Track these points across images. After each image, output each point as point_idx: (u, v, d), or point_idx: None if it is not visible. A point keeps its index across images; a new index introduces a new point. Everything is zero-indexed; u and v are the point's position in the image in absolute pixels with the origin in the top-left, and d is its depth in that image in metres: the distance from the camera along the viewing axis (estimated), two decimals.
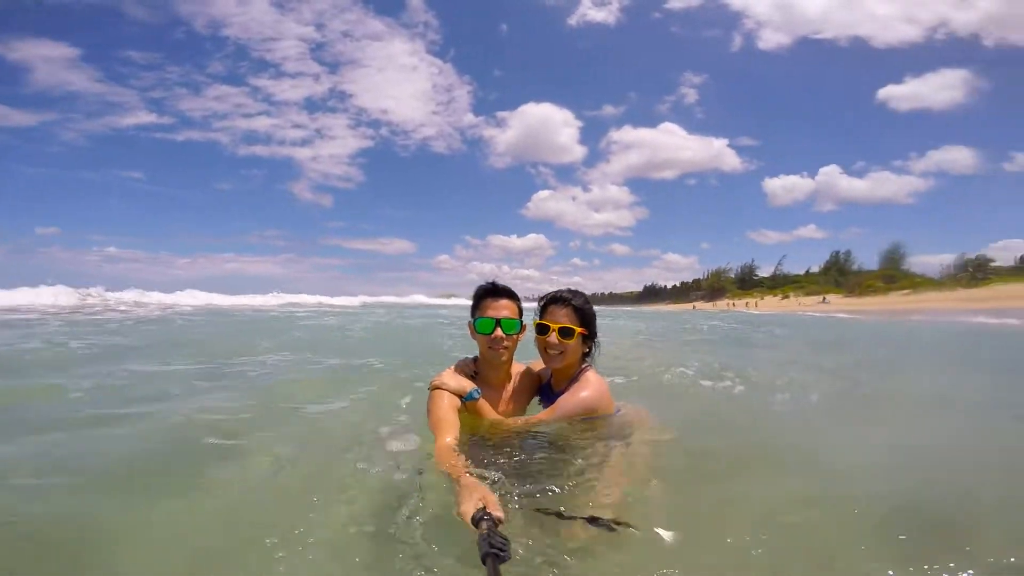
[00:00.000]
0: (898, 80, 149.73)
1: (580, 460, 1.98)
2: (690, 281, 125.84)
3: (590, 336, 2.27)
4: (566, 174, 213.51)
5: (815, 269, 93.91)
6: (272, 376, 4.66)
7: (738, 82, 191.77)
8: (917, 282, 66.54)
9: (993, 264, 64.74)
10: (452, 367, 2.28)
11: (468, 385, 2.15)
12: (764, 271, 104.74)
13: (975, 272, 62.35)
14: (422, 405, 2.22)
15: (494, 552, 1.10)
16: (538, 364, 2.43)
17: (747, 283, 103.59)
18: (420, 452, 2.21)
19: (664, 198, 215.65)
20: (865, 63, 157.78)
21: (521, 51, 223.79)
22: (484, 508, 1.27)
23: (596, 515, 1.61)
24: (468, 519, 1.26)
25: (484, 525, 1.21)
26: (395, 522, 1.65)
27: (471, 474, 1.60)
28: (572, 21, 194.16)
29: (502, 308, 2.19)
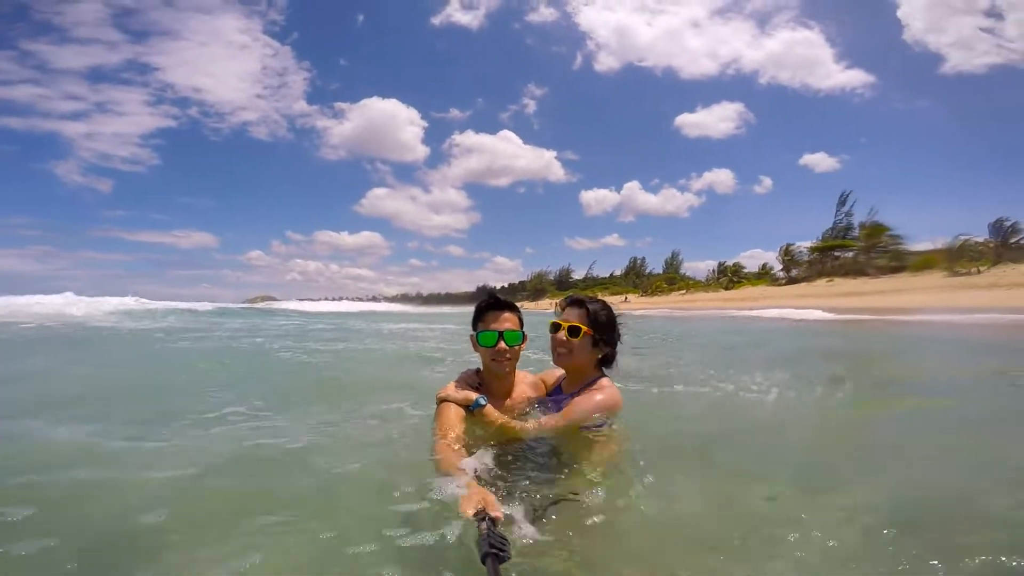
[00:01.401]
0: (691, 109, 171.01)
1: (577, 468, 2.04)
2: (516, 283, 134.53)
3: (604, 342, 2.31)
4: (406, 173, 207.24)
5: (618, 272, 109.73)
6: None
7: (572, 98, 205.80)
8: (690, 284, 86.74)
9: (744, 270, 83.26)
10: (456, 379, 2.29)
11: (473, 394, 2.15)
12: (578, 274, 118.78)
13: (732, 276, 79.54)
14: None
15: (494, 552, 1.12)
16: (549, 375, 2.52)
17: (564, 285, 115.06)
18: (423, 458, 2.17)
19: (497, 203, 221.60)
20: (672, 92, 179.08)
21: (375, 44, 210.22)
22: (484, 508, 1.29)
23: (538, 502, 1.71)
24: (468, 517, 1.28)
25: (484, 525, 1.23)
26: (395, 523, 1.67)
27: (470, 475, 1.63)
28: (436, 21, 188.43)
29: (504, 321, 2.20)
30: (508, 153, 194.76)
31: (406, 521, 1.68)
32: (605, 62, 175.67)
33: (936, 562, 1.52)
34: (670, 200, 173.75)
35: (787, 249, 69.80)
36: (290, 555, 1.63)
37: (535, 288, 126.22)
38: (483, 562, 1.11)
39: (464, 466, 1.73)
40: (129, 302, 24.81)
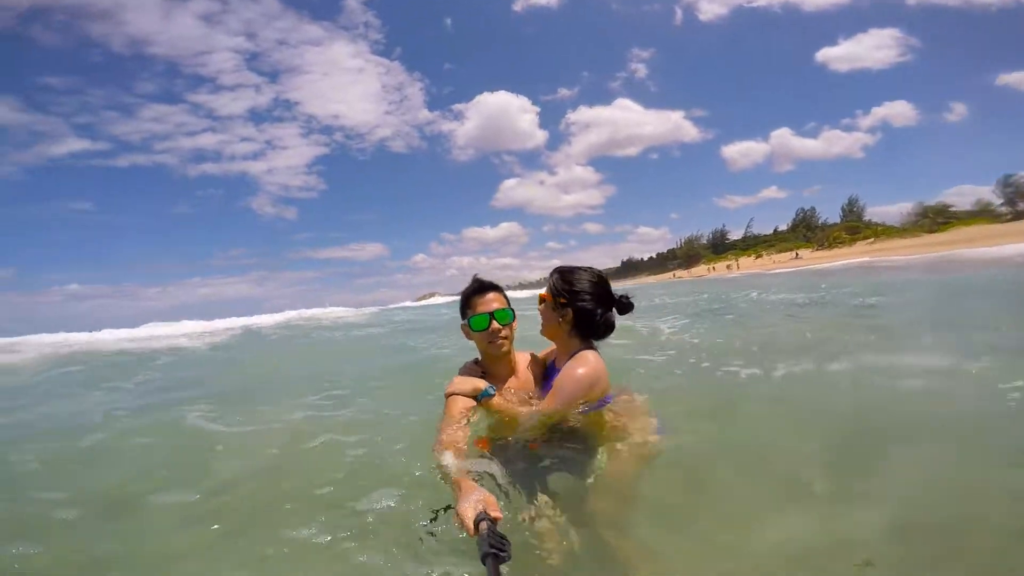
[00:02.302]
0: (832, 42, 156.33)
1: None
2: (665, 251, 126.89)
3: (566, 305, 2.16)
4: (530, 160, 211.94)
5: (783, 227, 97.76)
6: None
7: (684, 55, 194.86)
8: (879, 231, 71.35)
9: (952, 209, 68.39)
10: (459, 372, 2.27)
11: (481, 383, 2.13)
12: (735, 234, 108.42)
13: (935, 218, 65.83)
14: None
15: (494, 552, 1.12)
16: (544, 351, 2.47)
17: (721, 247, 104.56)
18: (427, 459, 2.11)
19: (629, 173, 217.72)
20: (798, 28, 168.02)
21: (468, 42, 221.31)
22: (484, 509, 1.28)
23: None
24: (467, 520, 1.27)
25: (484, 526, 1.22)
26: (396, 523, 1.70)
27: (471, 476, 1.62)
28: (516, 7, 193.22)
29: (492, 302, 2.20)
30: (630, 121, 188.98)
31: (406, 521, 1.69)
32: (709, 10, 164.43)
33: None
34: (834, 142, 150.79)
35: (1008, 180, 56.80)
36: (289, 553, 1.71)
37: (687, 254, 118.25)
38: (483, 562, 1.12)
39: (464, 467, 1.71)
40: (338, 311, 27.37)
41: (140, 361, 8.24)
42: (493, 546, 1.13)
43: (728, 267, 78.06)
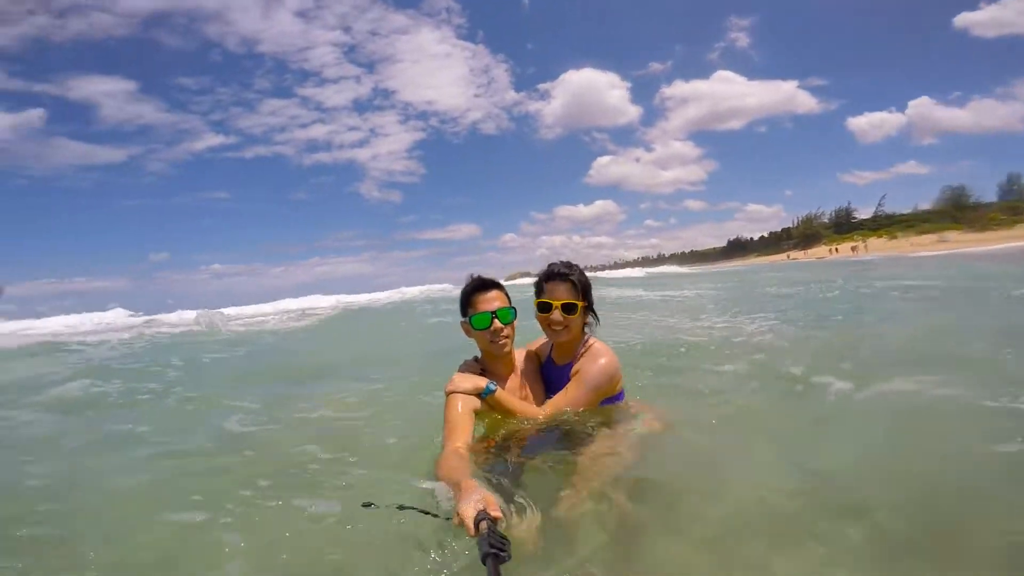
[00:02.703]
0: (972, 6, 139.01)
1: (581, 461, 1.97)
2: (779, 230, 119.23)
3: (589, 307, 2.29)
4: (624, 136, 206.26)
5: (924, 206, 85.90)
6: None
7: (793, 21, 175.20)
8: None
9: None
10: (459, 370, 2.26)
11: (483, 381, 2.12)
12: (863, 212, 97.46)
13: None
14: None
15: (494, 552, 1.12)
16: (543, 347, 2.46)
17: (844, 227, 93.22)
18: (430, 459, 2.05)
19: (734, 147, 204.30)
20: None
21: (547, 20, 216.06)
22: (484, 509, 1.28)
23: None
24: (467, 520, 1.27)
25: (484, 526, 1.22)
26: (395, 522, 1.67)
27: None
28: None
29: (493, 300, 2.19)
30: (732, 93, 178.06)
31: (405, 520, 1.67)
32: None
33: None
34: (985, 113, 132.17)
35: None
36: (287, 548, 1.71)
37: (804, 234, 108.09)
38: (483, 562, 1.11)
39: (466, 468, 1.70)
40: (434, 289, 28.04)
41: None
42: (493, 546, 1.13)
43: (854, 248, 70.97)
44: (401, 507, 1.51)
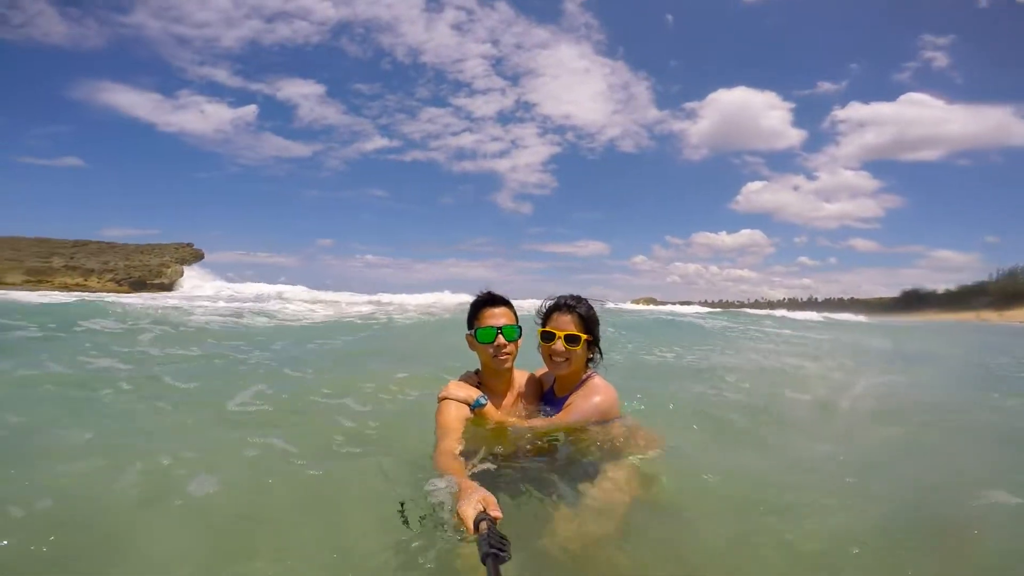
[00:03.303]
0: None
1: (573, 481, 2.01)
2: (971, 284, 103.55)
3: (594, 342, 2.29)
4: (782, 162, 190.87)
5: None
6: None
7: (1006, 38, 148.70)
8: None
9: None
10: (456, 380, 2.29)
11: (475, 393, 2.17)
12: None
13: None
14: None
15: (494, 552, 1.13)
16: (540, 371, 2.46)
17: None
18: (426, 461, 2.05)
19: (924, 182, 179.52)
20: None
21: (694, 38, 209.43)
22: (484, 509, 1.30)
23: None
24: (467, 520, 1.28)
25: (484, 526, 1.23)
26: (396, 523, 1.67)
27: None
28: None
29: (500, 316, 2.21)
30: (926, 119, 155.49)
31: (406, 521, 1.68)
32: None
33: None
34: None
35: None
36: (287, 552, 1.76)
37: (1004, 291, 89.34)
38: (483, 562, 1.12)
39: (464, 468, 1.73)
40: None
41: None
42: (493, 546, 1.15)
43: None
44: (401, 511, 1.59)
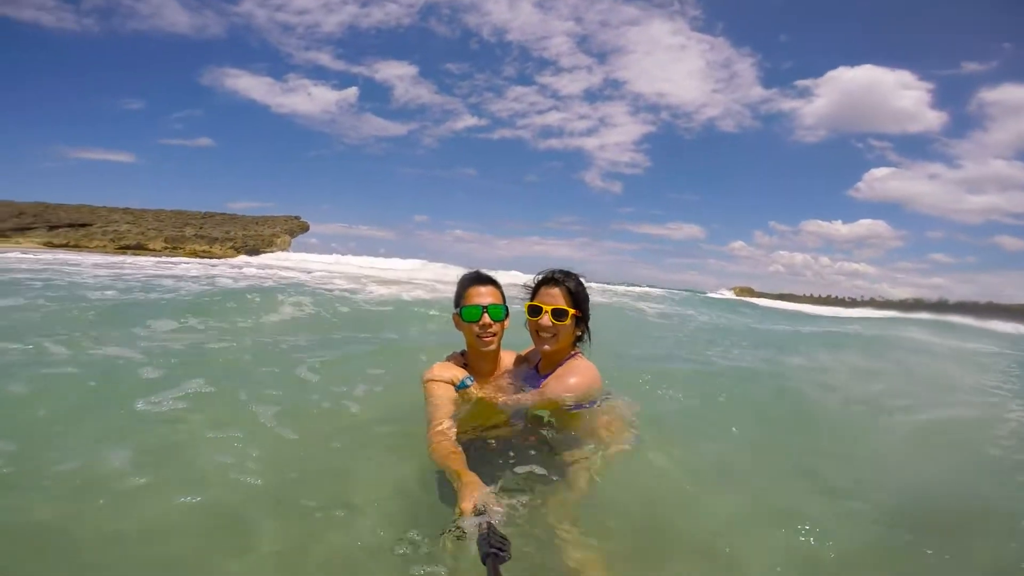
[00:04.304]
0: None
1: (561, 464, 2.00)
2: None
3: (583, 319, 2.22)
4: (915, 147, 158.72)
5: None
6: None
7: None
8: None
9: None
10: (441, 361, 2.27)
11: (460, 374, 2.14)
12: None
13: None
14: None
15: (494, 552, 1.14)
16: (528, 349, 2.42)
17: None
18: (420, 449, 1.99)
19: None
20: None
21: (807, 10, 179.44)
22: (484, 508, 1.31)
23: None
24: (468, 519, 1.28)
25: (484, 525, 1.25)
26: (395, 521, 1.69)
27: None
28: None
29: (486, 295, 2.17)
30: None
31: (405, 519, 1.70)
32: None
33: None
34: None
35: None
36: (288, 549, 1.70)
37: None
38: (483, 562, 1.13)
39: (462, 459, 1.71)
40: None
41: None
42: (493, 546, 1.15)
43: None
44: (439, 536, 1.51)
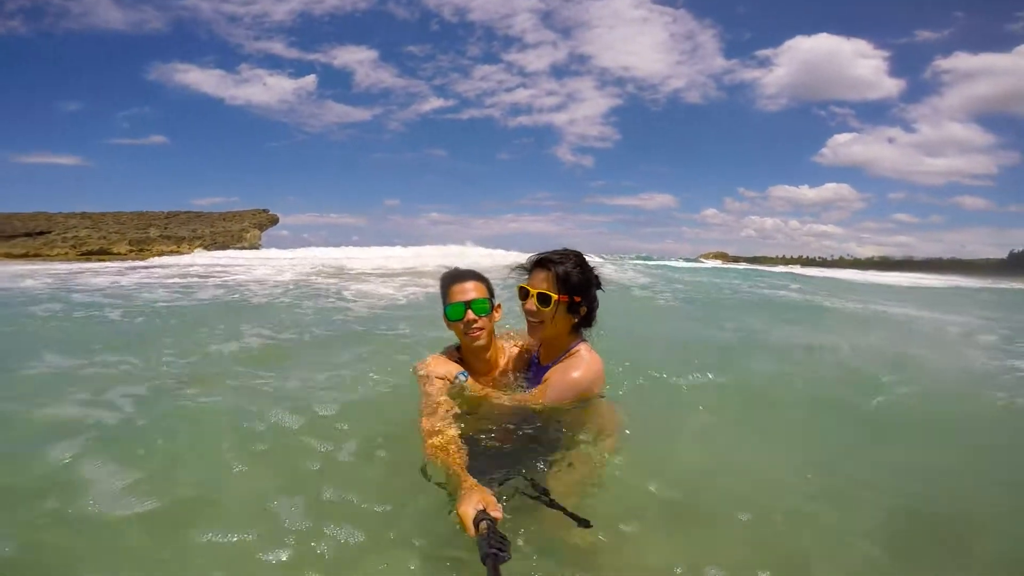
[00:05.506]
0: None
1: (564, 451, 1.96)
2: None
3: (577, 305, 2.04)
4: (874, 113, 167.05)
5: None
6: None
7: None
8: None
9: None
10: (436, 355, 2.23)
11: (455, 368, 2.11)
12: None
13: None
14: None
15: (494, 552, 1.13)
16: (530, 342, 2.29)
17: None
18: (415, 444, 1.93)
19: None
20: None
21: None
22: (484, 509, 1.29)
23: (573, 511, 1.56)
24: (467, 520, 1.27)
25: (484, 526, 1.23)
26: (394, 521, 1.66)
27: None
28: None
29: (469, 291, 2.11)
30: None
31: (404, 519, 1.68)
32: None
33: None
34: None
35: None
36: (286, 547, 1.66)
37: None
38: (483, 562, 1.13)
39: (462, 457, 1.67)
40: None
41: None
42: (493, 546, 1.15)
43: None
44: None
